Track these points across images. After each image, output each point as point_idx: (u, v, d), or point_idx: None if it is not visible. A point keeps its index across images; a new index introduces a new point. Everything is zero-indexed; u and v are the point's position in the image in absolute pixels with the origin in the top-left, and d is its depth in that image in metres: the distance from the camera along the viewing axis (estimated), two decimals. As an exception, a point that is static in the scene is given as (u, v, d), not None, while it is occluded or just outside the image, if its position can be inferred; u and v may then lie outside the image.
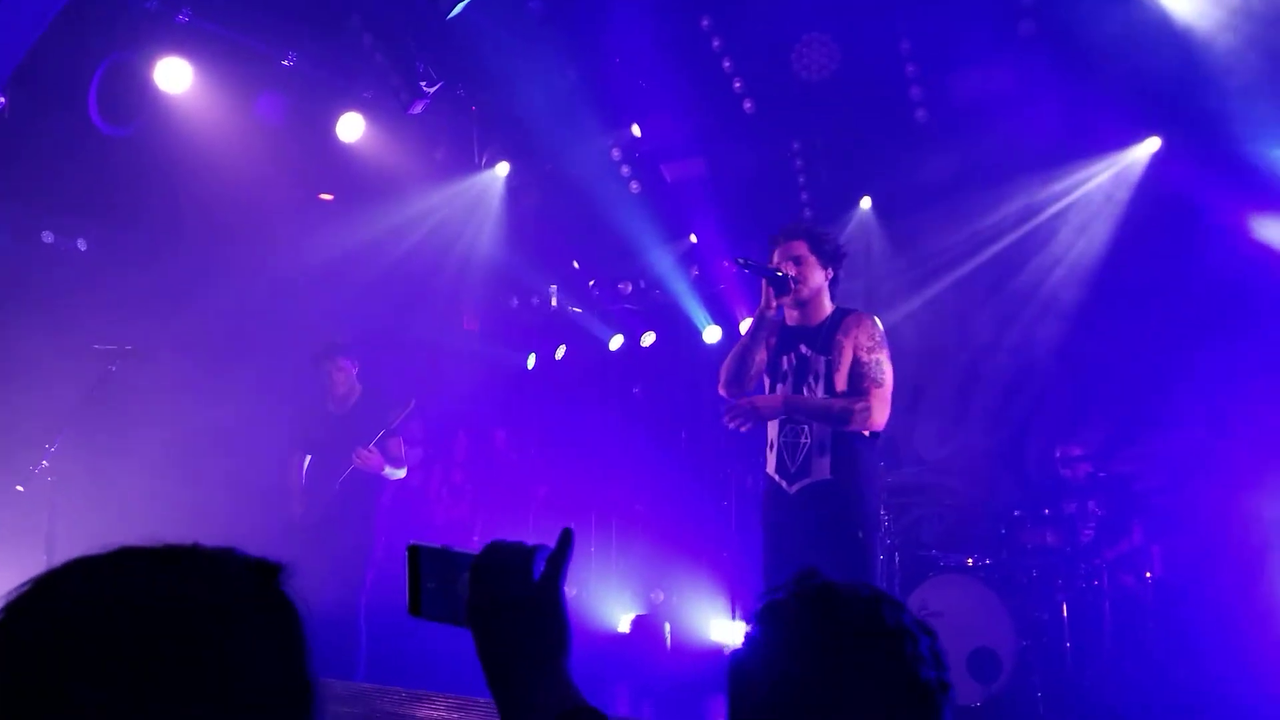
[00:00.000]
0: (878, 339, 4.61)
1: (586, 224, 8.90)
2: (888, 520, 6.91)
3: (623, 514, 9.80)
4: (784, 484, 4.62)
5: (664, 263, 8.89)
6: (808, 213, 8.24)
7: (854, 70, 7.08)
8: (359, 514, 6.42)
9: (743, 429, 4.64)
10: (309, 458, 6.60)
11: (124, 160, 6.73)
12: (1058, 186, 7.47)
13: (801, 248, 4.67)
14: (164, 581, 1.00)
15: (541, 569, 1.43)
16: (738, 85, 7.32)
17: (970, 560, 6.67)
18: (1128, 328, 7.56)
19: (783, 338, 4.79)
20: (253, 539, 1.17)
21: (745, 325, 5.71)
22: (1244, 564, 6.53)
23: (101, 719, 0.91)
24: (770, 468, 4.70)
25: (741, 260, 4.69)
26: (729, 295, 8.81)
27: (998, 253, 7.94)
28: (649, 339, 9.87)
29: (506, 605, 1.39)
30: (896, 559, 6.89)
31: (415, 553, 1.51)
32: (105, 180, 6.76)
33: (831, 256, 4.74)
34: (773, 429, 4.78)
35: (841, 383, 4.54)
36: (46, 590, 0.99)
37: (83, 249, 7.11)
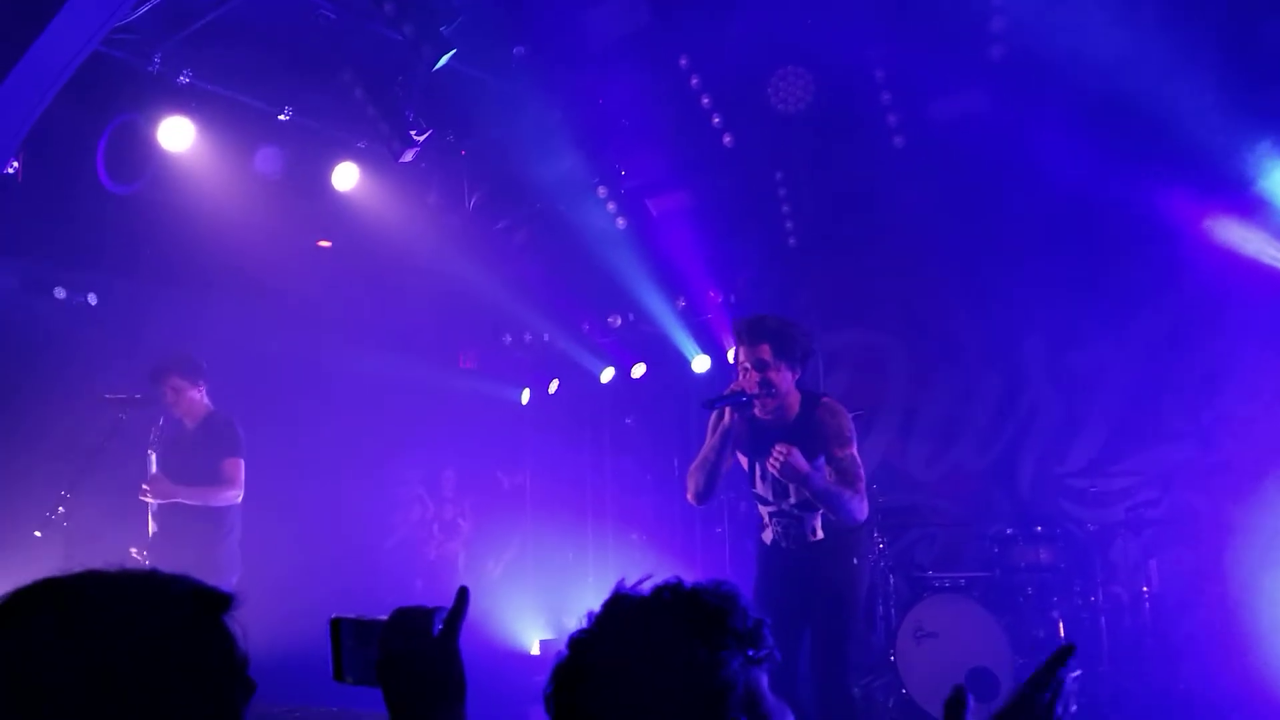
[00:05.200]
0: (847, 433, 4.55)
1: (575, 260, 9.05)
2: (883, 543, 6.95)
3: (618, 543, 9.92)
4: (782, 544, 4.80)
5: (652, 296, 9.02)
6: (792, 241, 8.40)
7: (830, 101, 7.22)
8: (193, 551, 5.81)
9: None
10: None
11: (131, 217, 6.88)
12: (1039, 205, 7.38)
13: (766, 352, 4.49)
14: (117, 610, 1.17)
15: (439, 627, 1.60)
16: (717, 120, 7.48)
17: (964, 580, 6.68)
18: (1111, 342, 7.64)
19: (756, 430, 4.67)
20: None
21: (731, 355, 5.72)
22: (1240, 577, 6.55)
23: None
24: (767, 539, 4.87)
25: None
26: (715, 325, 8.96)
27: (983, 271, 7.97)
28: (639, 371, 10.00)
29: (408, 659, 1.57)
30: (892, 581, 6.91)
31: (336, 625, 1.68)
32: (113, 237, 6.93)
33: (800, 359, 4.59)
34: (765, 513, 4.85)
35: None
36: (15, 613, 1.17)
37: (93, 303, 7.29)
